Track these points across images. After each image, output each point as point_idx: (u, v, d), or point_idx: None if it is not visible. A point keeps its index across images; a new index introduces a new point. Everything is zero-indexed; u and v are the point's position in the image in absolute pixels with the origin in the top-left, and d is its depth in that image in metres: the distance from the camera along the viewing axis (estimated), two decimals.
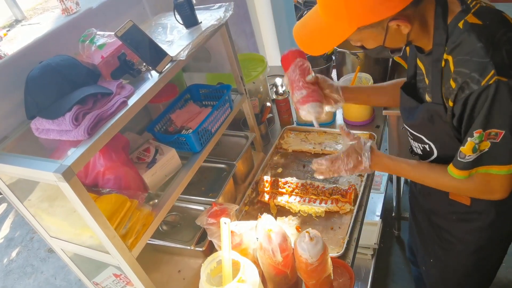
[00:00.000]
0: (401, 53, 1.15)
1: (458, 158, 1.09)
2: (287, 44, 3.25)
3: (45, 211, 1.31)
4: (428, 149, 1.27)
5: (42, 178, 1.04)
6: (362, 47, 1.12)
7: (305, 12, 4.56)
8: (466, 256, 1.42)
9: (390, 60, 2.31)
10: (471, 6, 1.02)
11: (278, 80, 2.11)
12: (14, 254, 3.59)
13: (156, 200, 1.39)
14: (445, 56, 1.03)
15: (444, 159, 1.20)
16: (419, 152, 1.34)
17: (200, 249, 1.53)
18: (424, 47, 1.13)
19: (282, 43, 3.13)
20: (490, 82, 0.94)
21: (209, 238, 1.43)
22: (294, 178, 1.82)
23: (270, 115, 2.24)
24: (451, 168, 1.14)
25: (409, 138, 1.37)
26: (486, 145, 1.03)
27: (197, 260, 1.59)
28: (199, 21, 1.51)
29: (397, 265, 2.62)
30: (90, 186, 1.34)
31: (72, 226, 1.28)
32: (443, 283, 1.59)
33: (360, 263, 2.39)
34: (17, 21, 9.78)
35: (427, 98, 1.17)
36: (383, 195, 2.73)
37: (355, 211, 1.64)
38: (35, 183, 1.26)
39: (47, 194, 1.29)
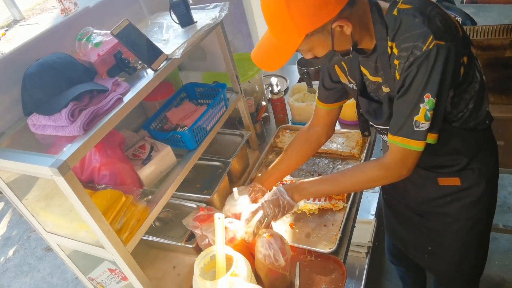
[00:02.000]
0: (350, 55, 1.19)
1: (415, 127, 1.12)
2: None
3: (42, 208, 1.33)
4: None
5: (38, 173, 1.06)
6: (315, 58, 1.19)
7: None
8: (463, 233, 1.45)
9: None
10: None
11: (274, 80, 2.14)
12: (11, 253, 3.60)
13: (150, 197, 1.41)
14: (389, 43, 1.13)
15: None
16: None
17: (190, 246, 1.55)
18: (368, 47, 1.20)
19: None
20: (430, 46, 1.03)
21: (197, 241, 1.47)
22: (289, 176, 1.84)
23: (266, 114, 2.27)
24: (405, 141, 1.15)
25: (382, 136, 1.45)
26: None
27: (192, 256, 1.61)
28: (195, 21, 1.54)
29: (391, 264, 2.64)
30: (86, 182, 1.36)
31: (68, 221, 1.30)
32: (446, 265, 1.60)
33: (354, 261, 2.41)
34: (16, 21, 9.81)
35: (384, 90, 1.24)
36: (377, 194, 2.75)
37: (347, 208, 1.67)
38: (32, 182, 1.28)
39: (44, 193, 1.31)
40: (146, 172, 1.43)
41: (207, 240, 1.44)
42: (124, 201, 1.24)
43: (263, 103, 2.11)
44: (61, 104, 1.14)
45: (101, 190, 1.29)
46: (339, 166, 1.90)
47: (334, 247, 1.52)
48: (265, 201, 1.41)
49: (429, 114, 1.09)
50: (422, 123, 1.11)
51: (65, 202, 1.10)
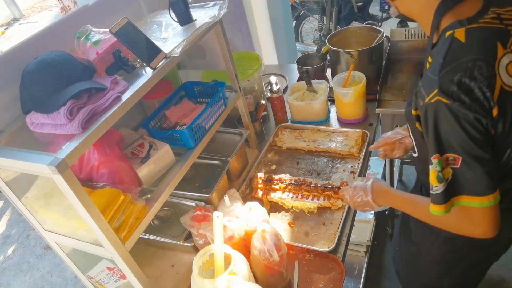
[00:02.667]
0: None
1: (431, 192, 1.02)
2: (284, 43, 3.28)
3: (41, 207, 1.33)
4: (413, 144, 1.25)
5: (37, 171, 1.06)
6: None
7: (302, 12, 4.60)
8: (431, 266, 1.43)
9: (384, 59, 2.33)
10: (479, 19, 0.96)
11: (273, 78, 2.13)
12: (10, 251, 3.60)
13: (149, 195, 1.41)
14: (429, 59, 1.03)
15: (422, 160, 1.18)
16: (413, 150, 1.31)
17: (189, 244, 1.55)
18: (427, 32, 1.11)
19: (278, 42, 3.16)
20: (432, 100, 0.93)
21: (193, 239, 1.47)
22: (288, 175, 1.84)
23: (265, 113, 2.26)
24: (430, 205, 1.05)
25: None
26: (448, 173, 0.98)
27: (190, 255, 1.61)
28: (194, 19, 1.53)
29: (390, 262, 2.64)
30: (85, 180, 1.36)
31: (67, 220, 1.30)
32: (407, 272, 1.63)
33: (353, 260, 2.41)
34: (15, 20, 9.80)
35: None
36: None
37: (346, 207, 1.67)
38: (32, 180, 1.27)
39: (43, 192, 1.31)
40: (145, 171, 1.43)
41: (203, 240, 1.44)
42: (123, 200, 1.24)
43: (262, 101, 2.10)
44: (59, 102, 1.14)
45: (99, 189, 1.29)
46: (338, 165, 1.90)
47: (332, 246, 1.52)
48: (349, 188, 1.46)
49: (441, 175, 0.98)
50: (434, 187, 1.00)
51: (64, 201, 1.09)
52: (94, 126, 1.11)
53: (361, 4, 4.20)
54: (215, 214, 1.24)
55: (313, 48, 4.44)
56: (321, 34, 4.44)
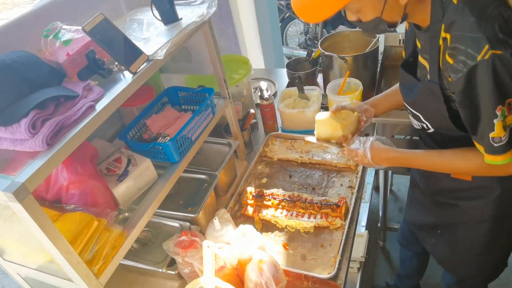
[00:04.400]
0: (396, 28, 1.14)
1: (495, 144, 1.03)
2: (270, 46, 3.13)
3: None
4: (425, 127, 1.28)
5: None
6: (359, 21, 1.11)
7: (288, 14, 4.47)
8: (472, 232, 1.40)
9: (379, 65, 2.22)
10: None
11: (263, 84, 1.98)
12: None
13: (126, 214, 1.23)
14: (443, 34, 1.04)
15: (440, 134, 1.25)
16: (419, 128, 1.34)
17: (172, 272, 1.37)
18: (420, 24, 1.14)
19: (265, 46, 3.01)
20: (486, 57, 0.94)
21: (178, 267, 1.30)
22: (281, 189, 1.69)
23: (254, 120, 2.11)
24: (489, 158, 1.07)
25: (409, 115, 1.35)
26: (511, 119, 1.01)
27: (174, 282, 1.44)
28: (179, 17, 1.37)
29: (382, 277, 2.52)
30: (52, 202, 1.18)
31: (30, 250, 1.11)
32: (451, 258, 1.57)
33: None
34: None
35: (427, 76, 1.17)
36: (368, 204, 2.63)
37: (346, 226, 1.52)
38: None
39: (1, 216, 1.12)
40: (122, 190, 1.25)
41: (189, 268, 1.27)
42: (97, 226, 1.06)
43: (252, 110, 1.94)
44: (20, 112, 0.95)
45: (69, 212, 1.10)
46: (334, 179, 1.76)
47: (333, 272, 1.37)
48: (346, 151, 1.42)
49: (505, 123, 1.00)
50: (502, 137, 1.02)
51: (26, 230, 0.91)
52: (61, 143, 0.93)
53: None
54: (205, 243, 1.08)
55: (298, 52, 4.33)
56: (307, 38, 4.32)
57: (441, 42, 1.05)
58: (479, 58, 0.94)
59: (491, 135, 1.02)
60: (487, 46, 0.93)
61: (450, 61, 1.02)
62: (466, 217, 1.38)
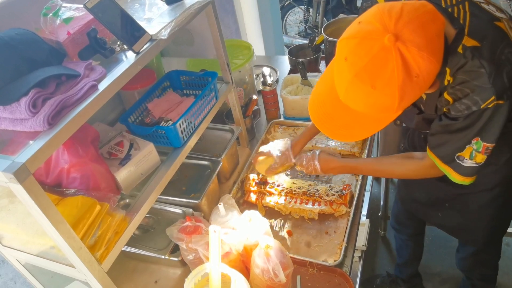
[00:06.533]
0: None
1: (460, 162, 1.11)
2: (271, 34, 3.08)
3: None
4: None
5: None
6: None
7: (287, 2, 4.41)
8: (485, 198, 1.40)
9: None
10: (461, 22, 1.01)
11: (266, 70, 1.94)
12: None
13: (127, 200, 1.20)
14: (447, 77, 1.03)
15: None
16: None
17: (176, 258, 1.35)
18: None
19: (266, 32, 2.96)
20: (490, 106, 0.98)
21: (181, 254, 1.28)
22: (283, 176, 1.66)
23: (256, 107, 2.07)
24: (453, 175, 1.15)
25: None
26: (481, 159, 1.08)
27: (176, 269, 1.41)
28: None
29: (383, 266, 2.51)
30: (53, 186, 1.14)
31: (30, 236, 1.07)
32: (464, 226, 1.55)
33: None
34: None
35: (421, 104, 1.22)
36: (368, 193, 2.61)
37: (351, 213, 1.50)
38: None
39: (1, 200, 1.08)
40: (125, 174, 1.21)
41: (193, 255, 1.24)
42: (99, 211, 1.03)
43: (254, 96, 1.90)
44: (20, 91, 0.91)
45: (70, 196, 1.07)
46: None
47: (339, 259, 1.35)
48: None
49: (474, 154, 1.07)
50: (466, 159, 1.09)
51: (26, 214, 0.88)
52: (63, 122, 0.89)
53: None
54: (211, 228, 1.04)
55: (298, 41, 4.27)
56: (307, 26, 4.27)
57: (446, 83, 1.04)
58: (483, 106, 0.98)
59: (459, 153, 1.09)
60: (493, 98, 0.96)
61: (450, 99, 1.05)
62: (478, 186, 1.34)
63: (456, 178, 1.15)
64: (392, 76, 0.86)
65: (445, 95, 1.05)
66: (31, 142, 0.86)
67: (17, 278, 3.01)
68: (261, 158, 1.55)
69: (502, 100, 0.97)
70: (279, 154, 1.51)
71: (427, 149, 1.18)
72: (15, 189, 0.81)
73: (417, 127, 1.31)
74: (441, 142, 1.13)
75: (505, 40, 1.00)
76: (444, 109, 1.09)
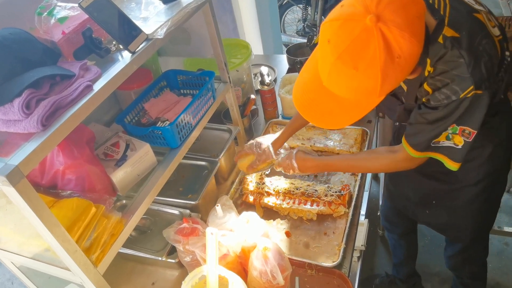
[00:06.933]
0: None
1: (432, 144, 1.13)
2: (269, 33, 3.07)
3: None
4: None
5: None
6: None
7: (285, 1, 4.39)
8: (470, 194, 1.41)
9: None
10: (441, 13, 1.03)
11: (264, 69, 1.92)
12: None
13: (124, 201, 1.18)
14: (428, 67, 1.05)
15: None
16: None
17: (173, 260, 1.34)
18: None
19: (264, 31, 2.94)
20: (468, 95, 1.01)
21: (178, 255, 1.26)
22: (282, 177, 1.65)
23: (254, 107, 2.06)
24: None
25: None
26: (459, 141, 1.10)
27: (174, 271, 1.40)
28: None
29: (382, 266, 2.50)
30: (48, 187, 1.13)
31: (25, 238, 1.06)
32: (451, 223, 1.55)
33: None
34: None
35: (404, 99, 1.25)
36: (367, 193, 2.60)
37: (350, 214, 1.49)
38: None
39: None
40: (121, 175, 1.20)
41: (190, 256, 1.23)
42: (94, 213, 1.02)
43: (252, 96, 1.89)
44: (13, 92, 0.90)
45: (66, 198, 1.05)
46: None
47: (338, 260, 1.34)
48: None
49: (451, 136, 1.09)
50: (442, 141, 1.11)
51: (20, 217, 0.86)
52: (58, 123, 0.88)
53: None
54: (208, 230, 1.03)
55: (296, 40, 4.26)
56: (305, 25, 4.25)
57: (426, 73, 1.06)
58: (462, 95, 1.01)
59: (434, 140, 1.12)
60: (472, 87, 0.99)
61: (429, 90, 1.07)
62: (462, 182, 1.38)
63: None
64: (374, 57, 0.86)
65: (425, 85, 1.07)
66: (24, 144, 0.84)
67: (14, 279, 2.99)
68: (243, 155, 1.56)
69: (481, 90, 1.00)
70: (260, 152, 1.51)
71: (403, 137, 1.19)
72: (8, 192, 0.80)
73: (399, 119, 1.33)
74: (418, 130, 1.14)
75: (483, 31, 1.02)
76: (424, 99, 1.10)
